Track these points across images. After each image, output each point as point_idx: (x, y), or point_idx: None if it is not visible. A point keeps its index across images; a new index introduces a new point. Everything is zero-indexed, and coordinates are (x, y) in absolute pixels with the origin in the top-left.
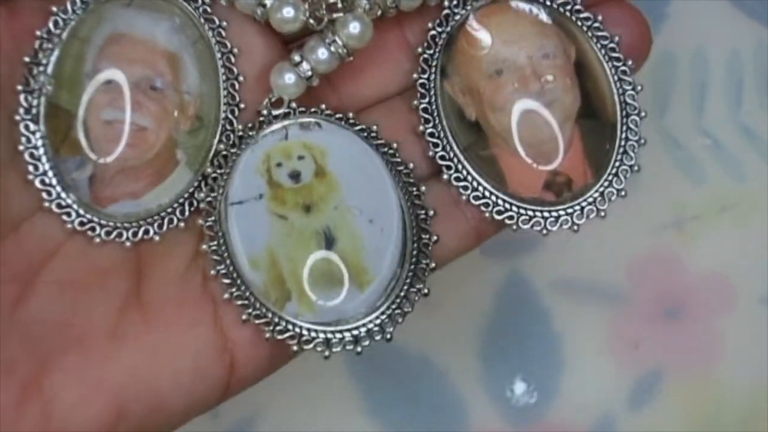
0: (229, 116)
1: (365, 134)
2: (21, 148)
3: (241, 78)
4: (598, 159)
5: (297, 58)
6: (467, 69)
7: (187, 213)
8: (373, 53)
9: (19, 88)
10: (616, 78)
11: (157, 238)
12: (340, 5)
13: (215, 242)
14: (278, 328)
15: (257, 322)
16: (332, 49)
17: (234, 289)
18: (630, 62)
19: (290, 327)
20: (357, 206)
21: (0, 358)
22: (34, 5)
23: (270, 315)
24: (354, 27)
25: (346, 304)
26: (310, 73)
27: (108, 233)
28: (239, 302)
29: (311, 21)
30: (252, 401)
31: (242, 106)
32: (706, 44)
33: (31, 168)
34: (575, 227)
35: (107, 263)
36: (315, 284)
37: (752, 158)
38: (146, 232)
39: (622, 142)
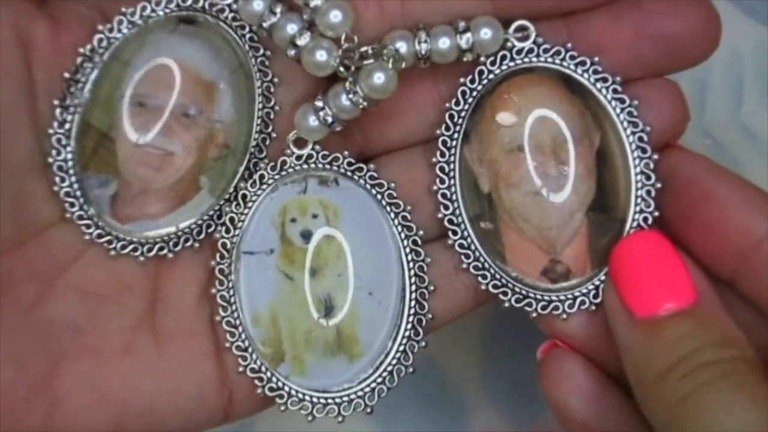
0: (260, 144)
1: (381, 193)
2: (50, 160)
3: (277, 107)
4: (600, 253)
5: (320, 104)
6: (489, 140)
7: (203, 235)
8: (404, 100)
9: (56, 102)
10: (638, 170)
11: (171, 255)
12: (370, 49)
13: (224, 287)
14: (269, 385)
15: (251, 375)
16: (353, 98)
17: (234, 339)
18: (656, 156)
19: (281, 386)
20: (359, 276)
21: (14, 354)
22: (80, 18)
23: (264, 371)
24: (378, 77)
25: (335, 373)
26: (331, 120)
27: (123, 247)
28: (238, 353)
29: (341, 69)
30: None
31: (274, 135)
32: None
33: (57, 179)
34: (564, 315)
35: (126, 278)
36: (309, 350)
37: (752, 158)
38: (161, 249)
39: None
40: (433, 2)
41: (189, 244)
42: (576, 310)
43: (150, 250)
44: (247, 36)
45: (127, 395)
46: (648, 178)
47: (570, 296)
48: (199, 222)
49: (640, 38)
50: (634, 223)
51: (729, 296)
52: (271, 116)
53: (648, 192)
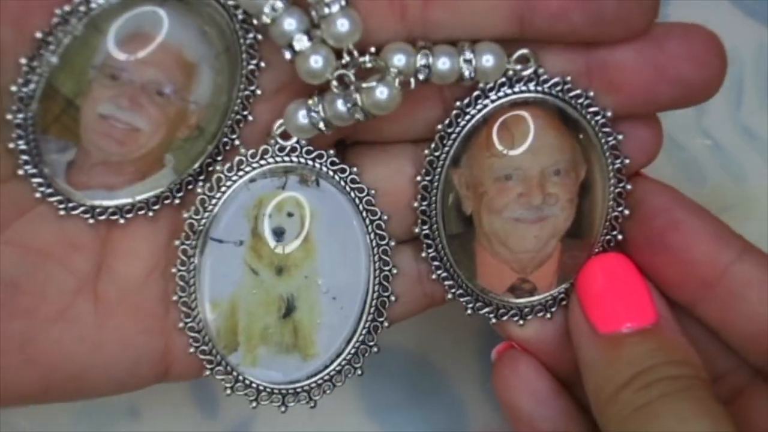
0: (234, 125)
1: (360, 197)
2: (9, 116)
3: (258, 91)
4: (566, 272)
5: (314, 105)
6: (479, 167)
7: (159, 205)
8: (406, 102)
9: (23, 61)
10: (611, 197)
11: (122, 221)
12: (369, 65)
13: (185, 268)
14: (218, 368)
15: (201, 357)
16: (351, 108)
17: (189, 321)
18: (629, 186)
19: (229, 371)
20: (325, 281)
21: None
22: None
23: (215, 355)
24: (381, 92)
25: (286, 370)
26: (322, 125)
27: (74, 208)
28: (191, 334)
29: (334, 83)
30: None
31: (250, 118)
32: None
33: (14, 136)
34: (521, 322)
35: (73, 238)
36: (263, 345)
37: (752, 158)
38: (113, 214)
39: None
40: (459, 15)
41: (143, 212)
42: (532, 317)
43: (101, 214)
44: (239, 17)
45: (58, 360)
46: (618, 204)
47: (528, 305)
48: (157, 194)
49: (659, 80)
50: (598, 245)
51: (686, 321)
52: (251, 100)
53: (615, 217)
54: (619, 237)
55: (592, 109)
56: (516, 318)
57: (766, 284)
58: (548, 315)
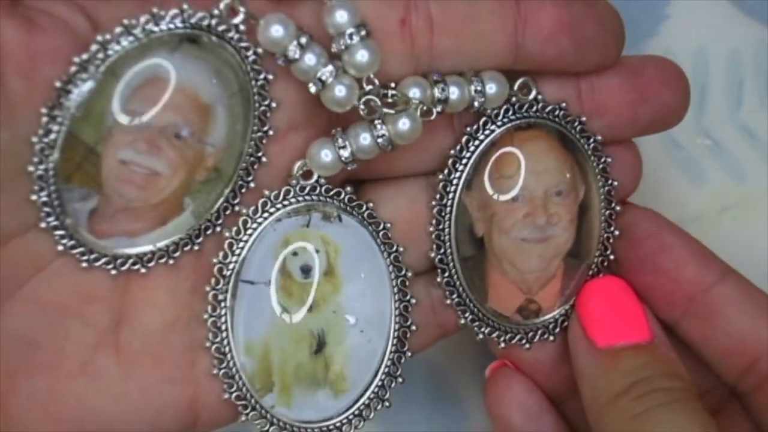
0: (249, 168)
1: (377, 231)
2: (31, 168)
3: (271, 132)
4: (568, 293)
5: (341, 141)
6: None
7: (179, 252)
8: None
9: (44, 110)
10: (603, 219)
11: (143, 270)
12: (390, 97)
13: (216, 313)
14: (254, 413)
15: (236, 402)
16: (379, 141)
17: (222, 366)
18: (618, 207)
19: (264, 414)
20: (353, 314)
21: None
22: (57, 20)
23: (250, 399)
24: (404, 123)
25: (319, 408)
26: (350, 158)
27: (96, 259)
28: (225, 380)
29: (362, 107)
30: None
31: (264, 159)
32: (706, 44)
33: (36, 188)
34: (527, 345)
35: (91, 290)
36: (297, 383)
37: (752, 158)
38: (134, 263)
39: (587, 278)
40: (463, 42)
41: (163, 260)
42: (537, 341)
43: (123, 264)
44: (251, 58)
45: (82, 415)
46: (609, 226)
47: (533, 328)
48: (176, 240)
49: (641, 102)
50: (593, 266)
51: (669, 342)
52: (264, 140)
53: (608, 238)
54: (611, 257)
55: (585, 134)
56: (522, 341)
57: (746, 303)
58: (551, 338)
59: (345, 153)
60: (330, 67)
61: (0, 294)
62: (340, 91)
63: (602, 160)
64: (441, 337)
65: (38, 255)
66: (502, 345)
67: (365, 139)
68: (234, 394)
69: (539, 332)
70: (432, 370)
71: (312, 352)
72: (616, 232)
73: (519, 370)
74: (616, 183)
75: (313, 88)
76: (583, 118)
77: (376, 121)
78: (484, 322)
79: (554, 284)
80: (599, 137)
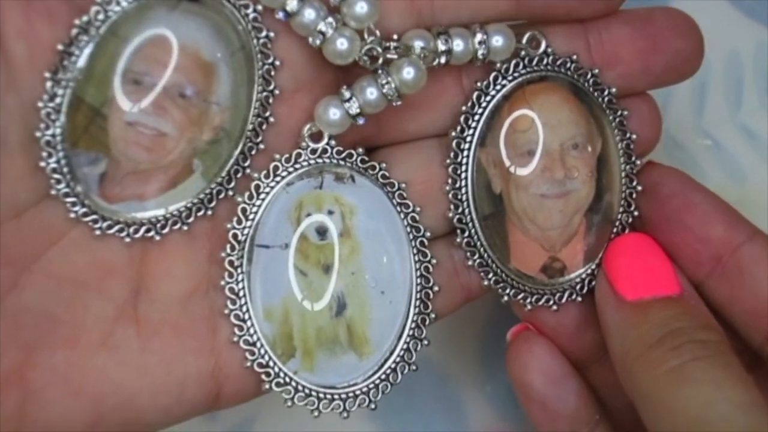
0: (256, 128)
1: (393, 192)
2: (38, 134)
3: (277, 91)
4: (592, 250)
5: (347, 95)
6: (504, 143)
7: (192, 218)
8: (426, 92)
9: (47, 75)
10: (623, 174)
11: (158, 237)
12: (393, 48)
13: (233, 279)
14: (277, 380)
15: (258, 370)
16: (385, 90)
17: (243, 333)
18: (638, 161)
19: (288, 381)
20: (372, 275)
21: None
22: None
23: (272, 365)
24: (408, 72)
25: (343, 371)
26: (357, 112)
27: (109, 227)
28: (245, 347)
29: (365, 58)
30: (251, 402)
31: (272, 119)
32: (706, 44)
33: (44, 155)
34: (554, 307)
35: (108, 263)
36: (320, 347)
37: (752, 158)
38: (148, 230)
39: (612, 236)
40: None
41: (177, 227)
42: (565, 302)
43: (136, 231)
44: (251, 16)
45: (104, 389)
46: (631, 181)
47: (560, 289)
48: (189, 205)
49: (652, 51)
50: (617, 223)
51: None
52: (270, 100)
53: (630, 194)
54: (635, 213)
55: (598, 87)
56: (549, 303)
57: None
58: (579, 298)
59: (353, 108)
60: (330, 20)
61: (18, 265)
62: (342, 43)
63: (618, 113)
64: (466, 300)
65: (53, 225)
66: (529, 307)
67: (372, 93)
68: (256, 362)
69: (566, 293)
70: (432, 370)
71: (332, 315)
72: (639, 188)
73: (542, 333)
74: (635, 136)
75: (317, 41)
76: (596, 70)
77: (380, 72)
78: (507, 283)
79: (577, 240)
80: (614, 89)
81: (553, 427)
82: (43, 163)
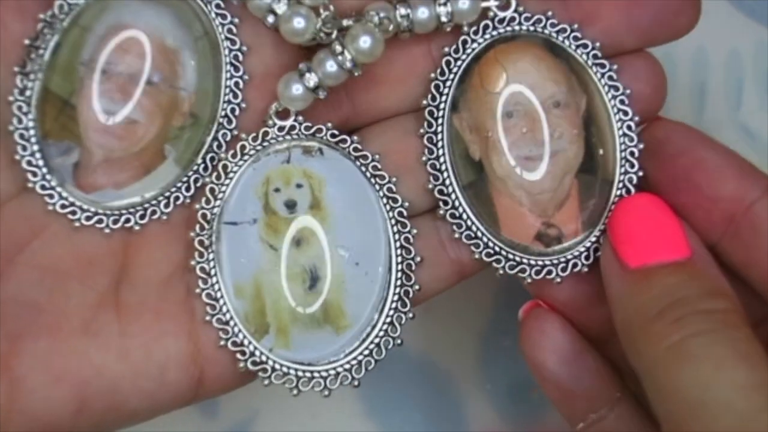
0: (229, 114)
1: (366, 164)
2: (11, 128)
3: (246, 77)
4: (590, 214)
5: (304, 70)
6: (478, 107)
7: (171, 207)
8: (396, 66)
9: (16, 69)
10: (621, 132)
11: (137, 227)
12: (351, 21)
13: (204, 259)
14: (252, 359)
15: (233, 348)
16: (340, 62)
17: (215, 312)
18: (637, 117)
19: (264, 359)
20: (345, 246)
21: None
22: None
23: (247, 344)
24: (364, 41)
25: (320, 346)
26: (317, 86)
27: (88, 218)
28: (218, 326)
29: (321, 34)
30: (251, 402)
31: (244, 105)
32: (706, 44)
33: (19, 149)
34: (558, 279)
35: (90, 253)
36: (294, 322)
37: (752, 158)
38: (126, 220)
39: (615, 199)
40: None
41: (156, 216)
42: (569, 273)
43: (116, 222)
44: (213, 3)
45: (86, 374)
46: (631, 140)
47: (563, 259)
48: (166, 193)
49: (634, 5)
50: (620, 184)
51: None
52: (240, 86)
53: (631, 153)
54: (640, 173)
55: (579, 42)
56: (552, 275)
57: None
58: (585, 269)
59: (310, 82)
60: (284, 1)
61: (1, 257)
62: (298, 22)
63: (606, 68)
64: (460, 275)
65: (33, 217)
66: (529, 280)
67: (331, 65)
68: (230, 340)
69: (570, 263)
70: (432, 370)
71: (306, 288)
72: (641, 146)
73: (554, 310)
74: (628, 91)
75: (269, 20)
76: (575, 26)
77: (336, 45)
78: (501, 255)
79: (571, 204)
80: (597, 44)
81: (570, 406)
82: (17, 156)
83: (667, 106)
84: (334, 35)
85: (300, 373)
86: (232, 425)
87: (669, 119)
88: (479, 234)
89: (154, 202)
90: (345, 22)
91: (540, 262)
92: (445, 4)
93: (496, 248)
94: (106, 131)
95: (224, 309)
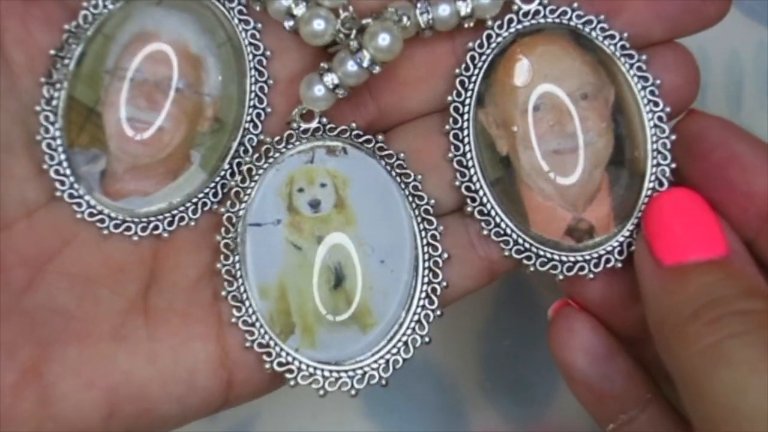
0: (254, 119)
1: (391, 163)
2: (38, 137)
3: (270, 81)
4: (622, 208)
5: (325, 70)
6: (504, 101)
7: (199, 213)
8: (419, 65)
9: (42, 80)
10: (652, 124)
11: (165, 234)
12: (371, 19)
13: (229, 262)
14: (279, 359)
15: (259, 350)
16: (359, 60)
17: (241, 314)
18: (668, 108)
19: (290, 360)
20: (370, 244)
21: (2, 340)
22: None
23: (272, 345)
24: (383, 39)
25: (347, 345)
26: (336, 84)
27: (116, 226)
28: (244, 328)
29: (341, 35)
30: (251, 402)
31: (269, 110)
32: (706, 44)
33: (46, 158)
34: (591, 275)
35: (119, 260)
36: (319, 321)
37: None
38: (155, 227)
39: (648, 192)
40: None
41: (184, 222)
42: (602, 269)
43: (144, 229)
44: (236, 9)
45: (116, 379)
46: (662, 131)
47: (595, 255)
48: (194, 199)
49: None
50: (652, 177)
51: None
52: (265, 91)
53: (663, 145)
54: (673, 165)
55: (607, 33)
56: (585, 271)
57: None
58: (619, 264)
59: (331, 82)
60: (302, 3)
61: (32, 266)
62: (318, 24)
63: (635, 59)
64: (491, 274)
65: (63, 225)
66: (560, 277)
67: (351, 65)
68: (256, 342)
69: (603, 258)
70: (431, 370)
71: (331, 287)
72: (673, 137)
73: (584, 309)
74: (659, 82)
75: (289, 23)
76: (602, 17)
77: (353, 43)
78: (531, 252)
79: (602, 198)
80: (625, 34)
81: (600, 407)
82: (45, 166)
83: None
84: (353, 35)
85: (326, 374)
86: (232, 425)
87: (704, 112)
88: (508, 230)
89: (182, 208)
90: (364, 21)
91: (572, 258)
92: (466, 2)
93: (526, 245)
94: (132, 138)
95: (250, 311)
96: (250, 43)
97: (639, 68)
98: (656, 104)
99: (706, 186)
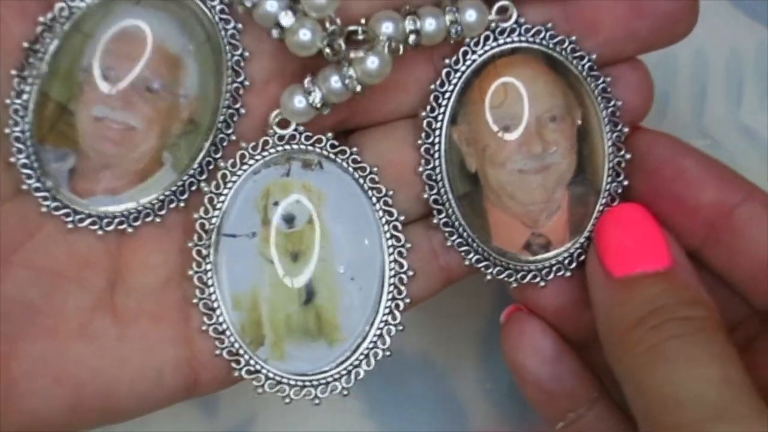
0: (228, 120)
1: (364, 176)
2: (7, 131)
3: (247, 82)
4: (577, 223)
5: (309, 86)
6: (477, 121)
7: (165, 210)
8: (397, 72)
9: (13, 72)
10: (610, 143)
11: (130, 230)
12: (360, 37)
13: (201, 269)
14: (248, 368)
15: (228, 358)
16: (346, 82)
17: (212, 322)
18: (626, 129)
19: (258, 369)
20: (341, 261)
21: None
22: None
23: (242, 353)
24: (372, 62)
25: (314, 358)
26: (320, 103)
27: (81, 220)
28: (214, 336)
29: (327, 50)
30: (251, 402)
31: (243, 111)
32: (706, 44)
33: (14, 151)
34: (542, 283)
35: (85, 254)
36: (289, 334)
37: (752, 158)
38: (120, 223)
39: (600, 208)
40: None
41: (150, 219)
42: (553, 277)
43: (109, 224)
44: (217, 8)
45: (83, 376)
46: (618, 150)
47: (547, 264)
48: (161, 197)
49: (635, 16)
50: (605, 193)
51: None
52: (240, 92)
53: (618, 163)
54: (625, 183)
55: (576, 54)
56: (537, 279)
57: None
58: (568, 273)
59: (316, 98)
60: (289, 12)
61: None
62: (304, 34)
63: (600, 80)
64: (448, 282)
65: (28, 218)
66: (514, 285)
67: (336, 82)
68: (225, 350)
69: (554, 268)
70: (431, 370)
71: (302, 303)
72: (628, 156)
73: (537, 315)
74: (620, 103)
75: (275, 34)
76: (573, 38)
77: (343, 64)
78: (490, 261)
79: (561, 215)
80: (593, 56)
81: (550, 407)
82: (13, 159)
83: (668, 106)
84: (341, 53)
85: (292, 382)
86: (232, 425)
87: (651, 129)
88: (470, 241)
89: (148, 205)
90: (351, 28)
91: (526, 268)
92: (454, 23)
93: (486, 254)
94: (104, 137)
95: (220, 320)
96: (229, 43)
97: (603, 89)
98: (616, 125)
99: (655, 200)
